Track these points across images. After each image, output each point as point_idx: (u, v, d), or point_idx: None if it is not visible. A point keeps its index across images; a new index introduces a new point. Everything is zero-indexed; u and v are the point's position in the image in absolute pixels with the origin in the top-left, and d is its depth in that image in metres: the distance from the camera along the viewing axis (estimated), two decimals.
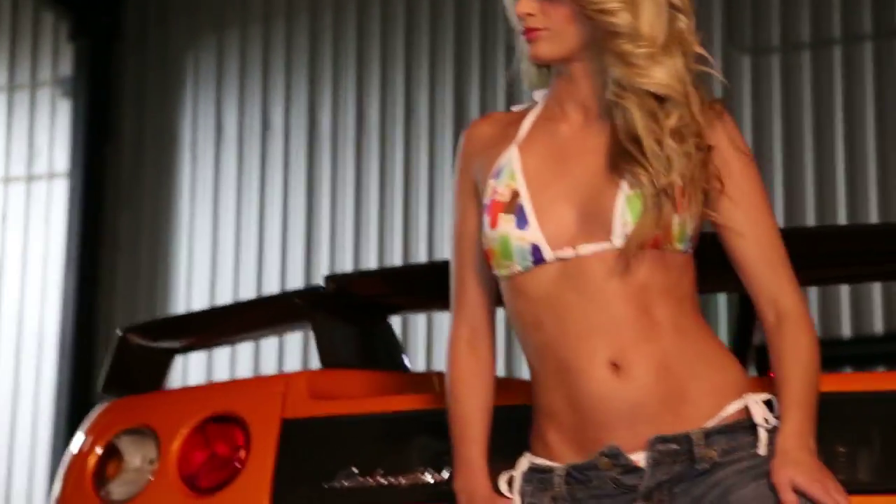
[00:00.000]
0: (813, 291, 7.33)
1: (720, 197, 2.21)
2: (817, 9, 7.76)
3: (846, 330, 7.43)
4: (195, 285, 9.11)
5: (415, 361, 8.11)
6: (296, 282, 8.77)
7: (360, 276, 3.38)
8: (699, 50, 2.22)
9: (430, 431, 2.63)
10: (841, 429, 2.34)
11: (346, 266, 8.67)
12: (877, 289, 7.40)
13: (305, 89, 9.01)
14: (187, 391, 3.34)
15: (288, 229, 8.94)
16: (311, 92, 9.00)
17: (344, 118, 8.89)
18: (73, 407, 8.72)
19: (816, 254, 2.77)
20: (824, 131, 7.72)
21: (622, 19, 2.16)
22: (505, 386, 2.78)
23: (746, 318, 5.15)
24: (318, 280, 8.71)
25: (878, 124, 7.66)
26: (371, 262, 8.55)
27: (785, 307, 2.21)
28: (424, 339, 8.34)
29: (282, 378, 2.90)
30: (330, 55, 8.99)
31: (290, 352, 8.58)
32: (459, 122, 8.60)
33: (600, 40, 2.19)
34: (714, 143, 2.21)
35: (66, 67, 9.46)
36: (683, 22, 2.21)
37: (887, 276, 5.25)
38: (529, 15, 2.22)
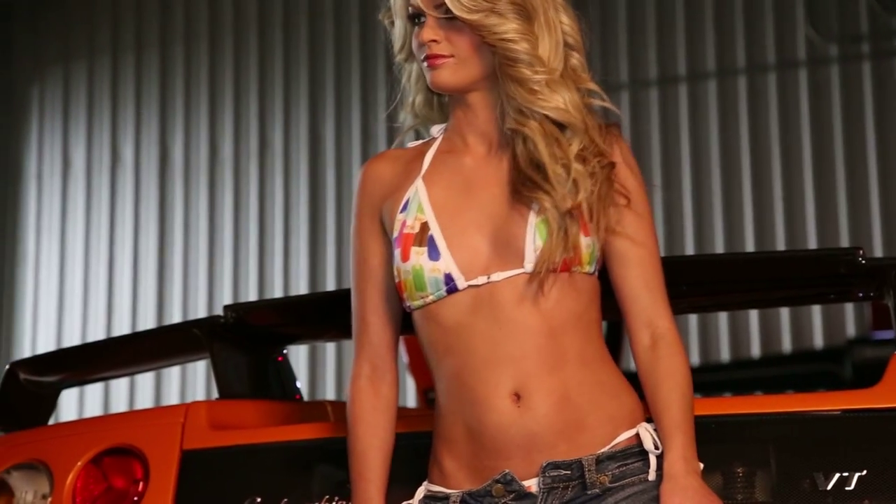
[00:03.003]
0: (692, 318, 7.51)
1: (624, 211, 2.27)
2: (721, 40, 7.98)
3: (725, 355, 7.62)
4: (41, 324, 8.95)
5: (323, 390, 8.15)
6: (147, 319, 8.67)
7: (259, 306, 3.35)
8: (592, 86, 2.30)
9: (331, 460, 2.64)
10: (725, 450, 2.41)
11: (200, 301, 8.59)
12: (754, 315, 7.60)
13: (156, 121, 8.93)
14: (82, 423, 3.26)
15: (139, 264, 8.83)
16: (163, 124, 8.92)
17: (196, 151, 8.82)
18: None
19: (696, 282, 2.83)
20: (702, 161, 7.93)
21: (522, 47, 2.22)
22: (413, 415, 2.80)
23: (614, 343, 5.27)
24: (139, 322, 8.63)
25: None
26: (226, 297, 8.47)
27: (660, 330, 2.26)
28: (334, 367, 8.31)
29: (181, 408, 2.85)
30: (181, 86, 8.92)
31: (191, 382, 8.47)
32: (314, 156, 8.59)
33: (500, 69, 2.25)
34: (615, 161, 2.28)
35: None
36: (577, 59, 2.29)
37: (764, 304, 5.43)
38: (434, 42, 2.25)
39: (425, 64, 2.27)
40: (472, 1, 2.20)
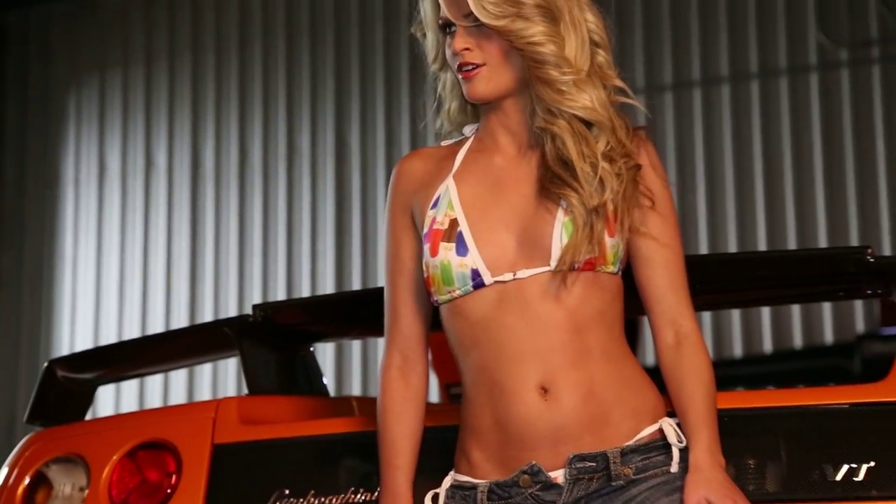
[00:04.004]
0: (706, 315, 7.46)
1: (649, 213, 2.31)
2: (734, 45, 8.00)
3: (737, 351, 7.68)
4: (79, 323, 9.01)
5: (349, 386, 8.18)
6: (180, 318, 8.74)
7: (287, 306, 3.43)
8: (619, 83, 2.33)
9: (356, 453, 2.69)
10: (737, 443, 2.46)
11: (231, 301, 8.66)
12: (766, 312, 7.65)
13: (188, 127, 8.98)
14: (117, 419, 3.27)
15: (172, 265, 8.90)
16: (194, 130, 8.97)
17: (227, 156, 8.87)
18: None
19: (710, 280, 2.84)
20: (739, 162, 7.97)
21: (548, 49, 2.26)
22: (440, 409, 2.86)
23: (630, 340, 5.31)
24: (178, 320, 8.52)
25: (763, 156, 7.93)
26: (256, 297, 8.52)
27: (684, 330, 2.30)
28: (360, 364, 8.36)
29: (212, 404, 2.88)
30: (212, 93, 8.98)
31: (222, 379, 8.52)
32: (340, 160, 8.64)
33: (529, 71, 2.28)
34: (641, 163, 2.32)
35: None
36: (602, 56, 2.32)
37: (775, 301, 5.43)
38: (467, 50, 2.29)
39: (460, 75, 2.32)
40: (498, 7, 2.24)
